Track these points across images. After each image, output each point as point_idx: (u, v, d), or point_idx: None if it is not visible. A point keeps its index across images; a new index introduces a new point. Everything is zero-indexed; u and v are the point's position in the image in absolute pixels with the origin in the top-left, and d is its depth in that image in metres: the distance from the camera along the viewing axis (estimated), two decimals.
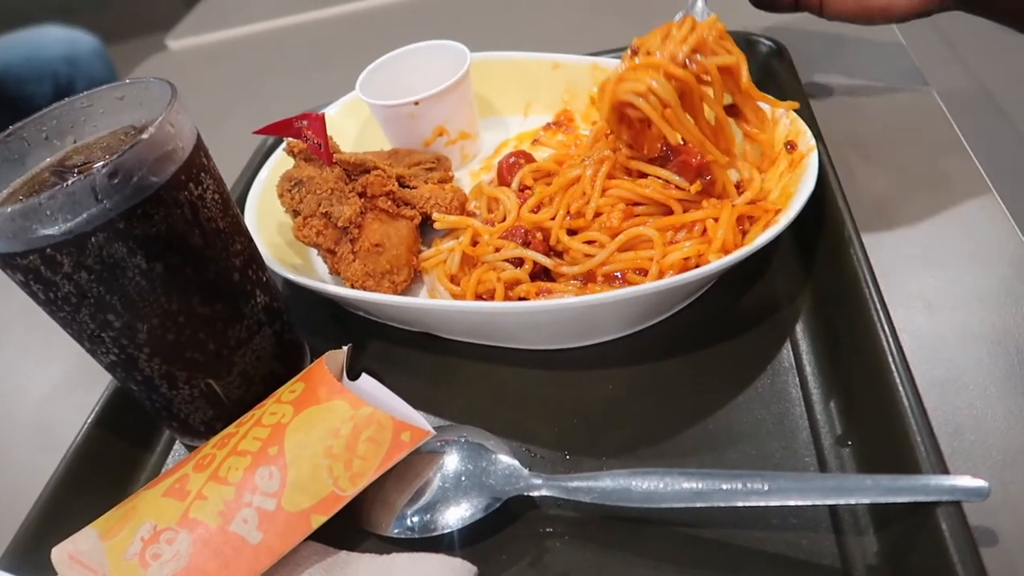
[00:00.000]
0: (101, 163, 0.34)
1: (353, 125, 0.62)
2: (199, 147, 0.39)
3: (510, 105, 0.62)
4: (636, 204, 0.45)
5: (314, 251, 0.53)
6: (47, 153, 0.42)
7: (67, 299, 0.37)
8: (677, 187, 0.44)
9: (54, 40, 1.95)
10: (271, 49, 0.97)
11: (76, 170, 0.39)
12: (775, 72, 0.56)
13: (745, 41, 0.60)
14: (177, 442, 0.46)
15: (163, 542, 0.35)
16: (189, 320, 0.39)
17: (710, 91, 0.43)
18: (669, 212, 0.44)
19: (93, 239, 0.35)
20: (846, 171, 0.48)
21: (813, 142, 0.44)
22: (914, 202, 0.46)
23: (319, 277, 0.52)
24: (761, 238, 0.39)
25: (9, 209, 0.33)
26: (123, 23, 3.98)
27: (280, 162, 0.57)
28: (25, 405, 0.54)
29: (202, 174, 0.39)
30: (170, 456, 0.45)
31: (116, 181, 0.34)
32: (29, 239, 0.34)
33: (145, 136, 0.35)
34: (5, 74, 1.83)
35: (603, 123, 0.46)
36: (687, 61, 0.42)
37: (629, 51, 0.44)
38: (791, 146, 0.45)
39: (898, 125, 0.52)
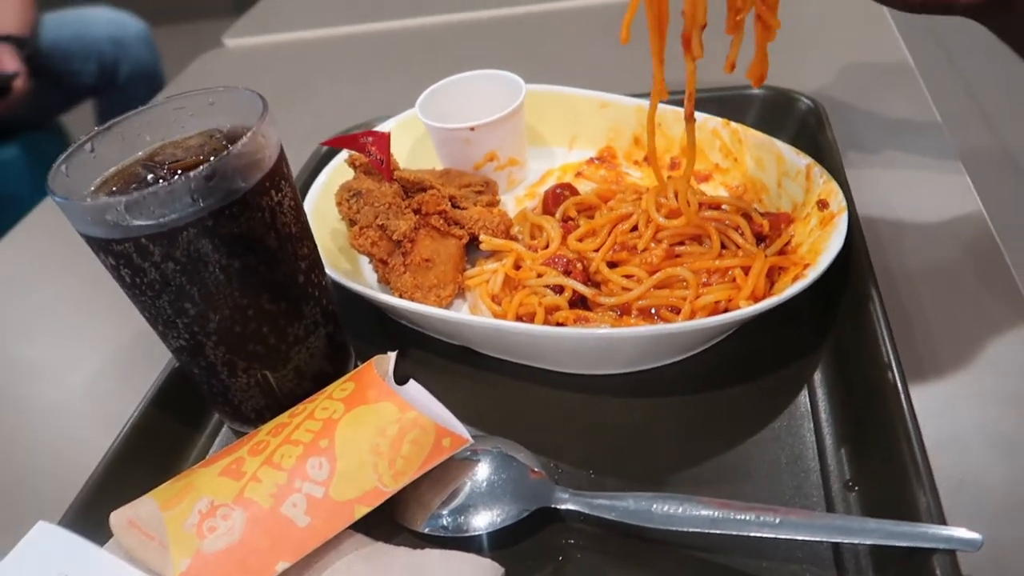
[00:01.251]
0: (202, 167, 0.37)
1: (407, 141, 0.65)
2: (282, 157, 0.43)
3: (557, 137, 0.65)
4: (680, 244, 0.49)
5: (364, 258, 0.57)
6: (139, 147, 0.45)
7: (151, 285, 0.40)
8: (736, 230, 0.48)
9: (103, 21, 2.00)
10: (325, 55, 1.01)
11: (166, 166, 0.43)
12: (812, 132, 0.59)
13: (786, 99, 0.63)
14: (225, 426, 0.49)
15: (219, 517, 0.38)
16: (256, 315, 0.42)
17: None
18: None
19: (184, 233, 0.38)
20: (872, 234, 0.51)
21: (844, 203, 0.47)
22: (932, 270, 0.49)
23: (367, 283, 0.55)
24: (789, 290, 0.42)
25: (114, 200, 0.37)
26: (172, 8, 4.06)
27: (337, 170, 0.60)
28: (80, 380, 0.58)
29: (282, 182, 0.42)
30: (218, 438, 0.49)
31: (211, 183, 0.38)
32: (127, 228, 0.38)
33: (240, 144, 0.39)
34: (53, 49, 1.88)
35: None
36: None
37: None
38: (823, 204, 0.49)
39: (927, 201, 0.55)
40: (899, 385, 0.38)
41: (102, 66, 1.96)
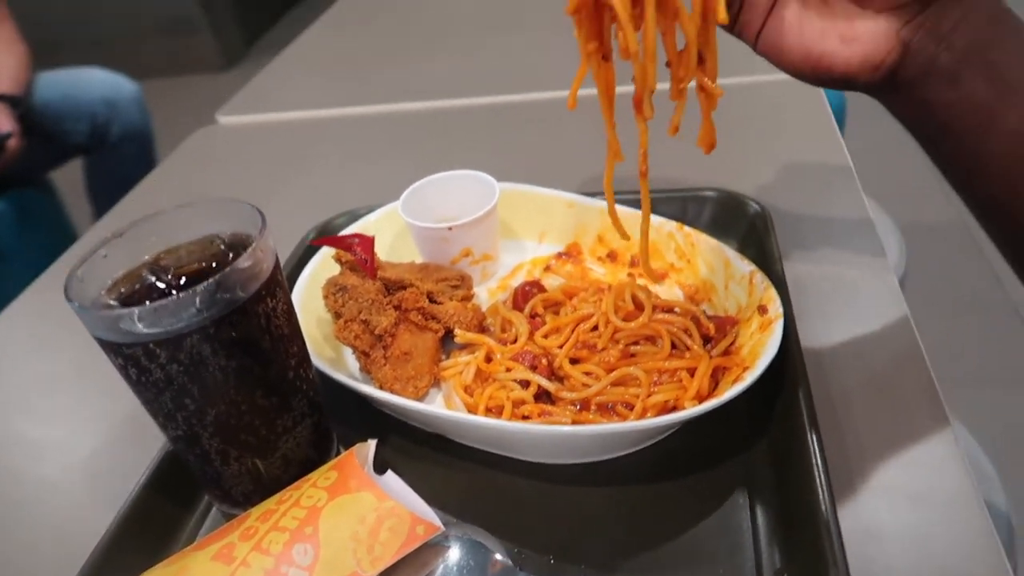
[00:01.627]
0: (208, 281, 0.42)
1: (389, 233, 0.70)
2: (276, 266, 0.48)
3: (527, 231, 0.71)
4: (635, 343, 0.54)
5: (346, 348, 0.61)
6: (146, 249, 0.50)
7: (156, 383, 0.44)
8: (685, 332, 0.53)
9: (97, 82, 2.05)
10: (314, 136, 1.06)
11: (171, 272, 0.48)
12: (759, 235, 0.65)
13: (737, 202, 0.69)
14: (215, 508, 0.53)
15: None
16: (249, 409, 0.47)
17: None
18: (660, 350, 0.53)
19: (188, 339, 0.43)
20: (807, 335, 0.57)
21: (781, 310, 0.53)
22: (860, 371, 0.55)
23: (349, 371, 0.60)
24: (728, 393, 0.47)
25: (127, 311, 0.41)
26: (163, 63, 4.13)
27: (323, 263, 0.65)
28: (75, 459, 0.61)
29: (277, 289, 0.47)
30: (207, 520, 0.52)
31: (216, 295, 0.43)
32: (137, 334, 0.42)
33: (243, 259, 0.44)
34: (45, 109, 1.93)
35: (569, 14, 0.45)
36: None
37: None
38: (763, 309, 0.54)
39: (858, 304, 0.61)
40: (823, 483, 0.43)
41: (94, 126, 2.02)
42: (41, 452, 0.63)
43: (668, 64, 0.46)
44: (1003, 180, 0.44)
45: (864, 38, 0.44)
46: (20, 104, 1.69)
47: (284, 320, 0.48)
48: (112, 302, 0.46)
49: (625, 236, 0.55)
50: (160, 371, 0.44)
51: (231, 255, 0.48)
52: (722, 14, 0.42)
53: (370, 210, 0.73)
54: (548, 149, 0.92)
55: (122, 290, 0.47)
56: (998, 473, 0.93)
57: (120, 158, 2.10)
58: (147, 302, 0.42)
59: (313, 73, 1.28)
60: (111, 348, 0.44)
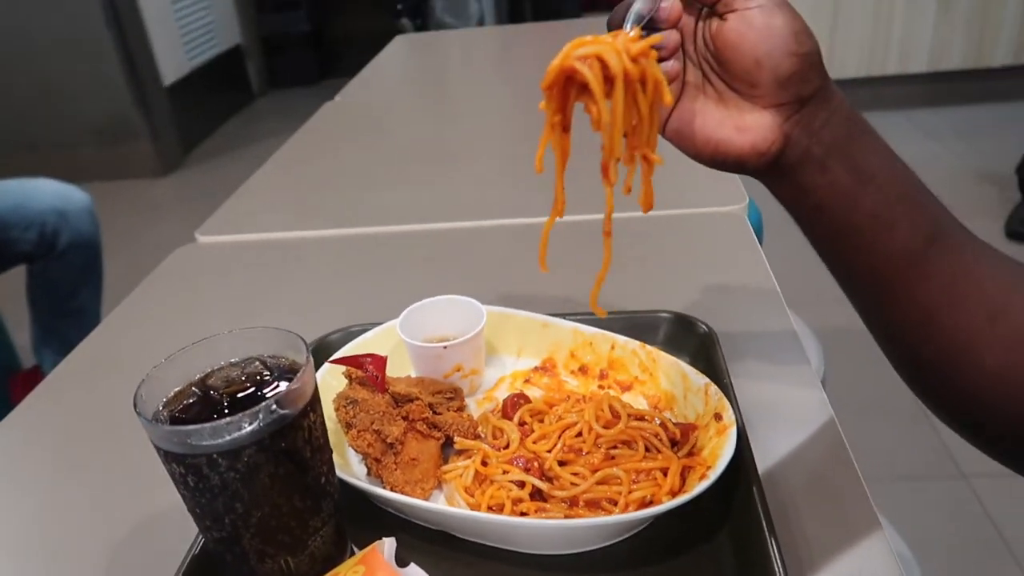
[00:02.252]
0: (268, 400, 0.49)
1: (384, 349, 0.78)
2: (316, 385, 0.55)
3: (507, 348, 0.80)
4: (614, 447, 0.63)
5: (352, 453, 0.68)
6: (194, 370, 0.56)
7: (211, 489, 0.50)
8: (656, 437, 0.63)
9: (48, 193, 2.09)
10: (295, 256, 1.14)
11: (222, 391, 0.55)
12: (708, 351, 0.76)
13: (686, 322, 0.80)
14: None
15: None
16: (289, 511, 0.53)
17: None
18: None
19: (246, 450, 0.49)
20: (754, 435, 0.67)
21: (734, 418, 0.63)
22: (799, 468, 0.65)
23: (356, 474, 0.67)
24: (696, 489, 0.57)
25: (198, 428, 0.48)
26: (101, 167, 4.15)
27: (325, 376, 0.72)
28: (98, 548, 0.65)
29: (317, 404, 0.55)
30: None
31: (272, 412, 0.50)
32: (204, 447, 0.49)
33: (295, 381, 0.51)
34: None
35: (544, 89, 0.52)
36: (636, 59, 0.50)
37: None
38: (718, 417, 0.64)
39: (792, 409, 0.72)
40: (778, 563, 0.52)
41: (42, 235, 2.04)
42: (62, 553, 0.67)
43: (625, 135, 0.53)
44: (862, 251, 0.54)
45: (754, 129, 0.53)
46: None
47: (320, 432, 0.55)
48: (175, 416, 0.53)
49: (542, 264, 0.61)
50: (218, 478, 0.50)
51: (272, 374, 0.56)
52: (667, 97, 0.51)
53: (363, 327, 0.82)
54: (518, 270, 1.03)
55: (179, 407, 0.54)
56: (916, 559, 1.05)
57: (66, 266, 2.12)
58: (207, 418, 0.49)
59: (287, 195, 1.37)
60: (175, 458, 0.50)
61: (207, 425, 0.48)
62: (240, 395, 0.55)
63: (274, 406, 0.50)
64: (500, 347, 0.81)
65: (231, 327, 0.54)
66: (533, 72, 2.05)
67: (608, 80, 0.50)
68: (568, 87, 0.53)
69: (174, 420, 0.53)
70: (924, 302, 0.53)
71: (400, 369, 0.78)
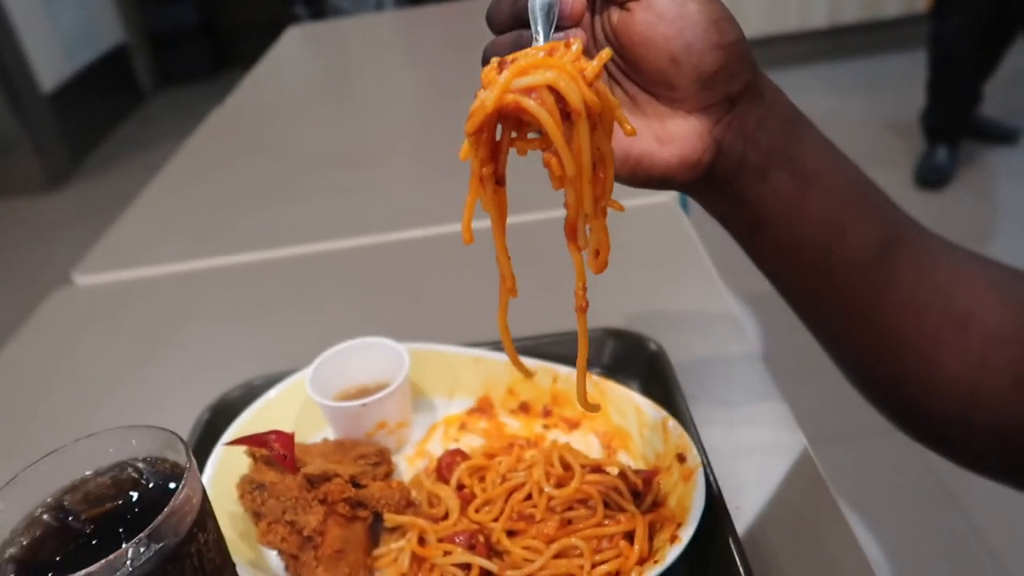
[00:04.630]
0: (136, 541, 0.39)
1: (293, 408, 0.68)
2: (204, 494, 0.45)
3: (436, 390, 0.71)
4: (569, 508, 0.55)
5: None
6: (47, 490, 0.45)
7: None
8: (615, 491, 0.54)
9: None
10: (185, 292, 1.02)
11: (82, 517, 0.44)
12: (661, 374, 0.68)
13: (631, 339, 0.73)
14: None
15: None
16: None
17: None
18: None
19: None
20: (721, 476, 0.60)
21: (699, 459, 0.56)
22: (771, 504, 0.59)
23: (272, 571, 0.57)
24: (669, 556, 0.49)
25: None
26: None
27: (223, 462, 0.62)
28: None
29: (207, 519, 0.44)
30: None
31: (143, 550, 0.39)
32: None
33: (172, 505, 0.41)
34: None
35: (469, 135, 0.41)
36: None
37: (494, 62, 0.40)
38: (681, 458, 0.57)
39: (757, 435, 0.66)
40: None
41: None
42: None
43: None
44: (813, 267, 0.47)
45: (680, 139, 0.45)
46: None
47: (216, 551, 0.45)
48: (15, 559, 0.41)
49: (528, 374, 0.53)
50: None
51: (147, 482, 0.45)
52: (629, 127, 0.42)
53: (266, 379, 0.71)
54: (442, 288, 0.93)
55: (23, 543, 0.43)
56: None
57: None
58: (64, 558, 0.38)
59: (172, 224, 1.23)
60: None
61: None
62: (107, 517, 0.44)
63: (147, 543, 0.40)
64: (428, 389, 0.71)
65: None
66: (442, 60, 1.93)
67: (563, 115, 0.39)
68: (498, 126, 0.41)
69: (22, 566, 0.42)
70: (886, 316, 0.47)
71: (314, 426, 0.68)
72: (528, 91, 0.39)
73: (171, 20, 5.31)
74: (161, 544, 0.40)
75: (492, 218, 0.45)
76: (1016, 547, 1.65)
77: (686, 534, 0.50)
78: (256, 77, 1.90)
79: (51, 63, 4.27)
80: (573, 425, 0.66)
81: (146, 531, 0.39)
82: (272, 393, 0.68)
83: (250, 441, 0.56)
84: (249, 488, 0.56)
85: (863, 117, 3.65)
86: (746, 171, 0.45)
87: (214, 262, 1.06)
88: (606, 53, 0.41)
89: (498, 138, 0.42)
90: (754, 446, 0.64)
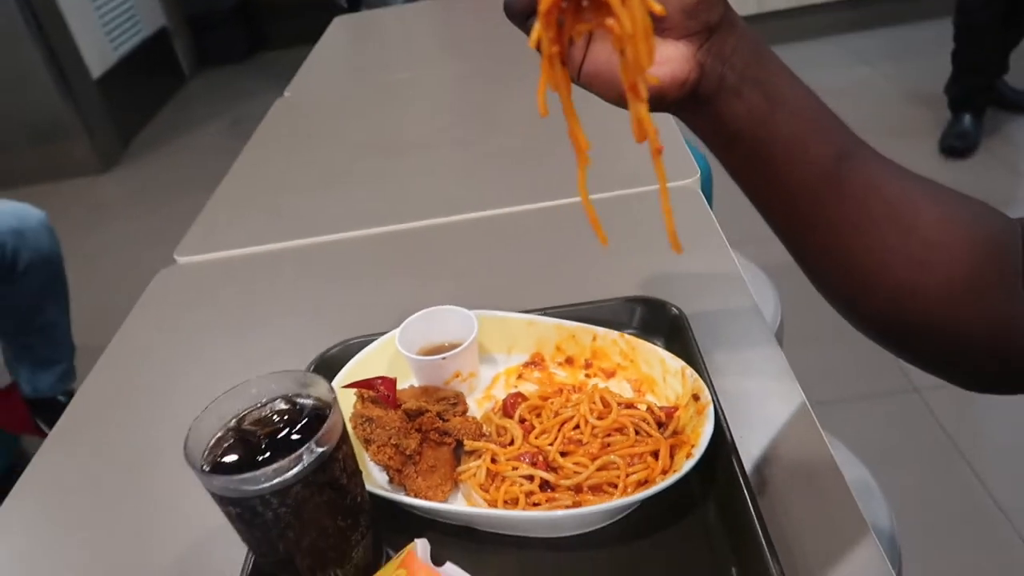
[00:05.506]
0: (307, 445, 0.56)
1: (383, 361, 0.85)
2: (343, 419, 0.62)
3: (497, 347, 0.87)
4: (609, 435, 0.71)
5: (371, 464, 0.75)
6: (228, 415, 0.62)
7: (265, 523, 0.57)
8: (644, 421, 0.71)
9: (4, 213, 2.06)
10: (276, 269, 1.19)
11: (259, 434, 0.61)
12: (681, 333, 0.84)
13: (656, 305, 0.88)
14: None
15: None
16: (333, 531, 0.60)
17: None
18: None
19: (293, 488, 0.56)
20: (729, 410, 0.76)
21: (710, 398, 0.71)
22: (770, 442, 0.74)
23: (377, 482, 0.74)
24: (685, 467, 0.65)
25: (252, 475, 0.54)
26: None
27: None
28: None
29: (347, 435, 0.61)
30: None
31: (313, 452, 0.56)
32: (255, 490, 0.55)
33: (326, 426, 0.57)
34: None
35: (541, 15, 0.47)
36: None
37: None
38: (696, 397, 0.73)
39: (759, 383, 0.81)
40: (758, 525, 0.61)
41: (3, 256, 2.02)
42: None
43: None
44: (779, 178, 0.55)
45: (670, 60, 0.52)
46: None
47: (351, 458, 0.62)
48: (221, 462, 0.59)
49: (604, 240, 0.60)
50: (271, 513, 0.57)
51: (300, 412, 0.62)
52: (658, 7, 0.47)
53: (361, 339, 0.88)
54: (495, 264, 1.09)
55: (219, 451, 0.60)
56: (878, 484, 1.16)
57: (29, 285, 2.11)
58: (250, 459, 0.55)
59: (255, 206, 1.40)
60: (230, 502, 0.56)
61: (259, 472, 0.55)
62: (275, 435, 0.61)
63: (314, 446, 0.56)
64: (491, 347, 0.88)
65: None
66: (479, 48, 2.06)
67: None
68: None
69: (219, 465, 0.59)
70: (839, 224, 0.55)
71: (400, 376, 0.84)
72: None
73: (209, 3, 5.47)
74: (323, 449, 0.57)
75: (562, 96, 0.52)
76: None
77: (698, 452, 0.66)
78: (308, 69, 2.06)
79: (98, 49, 4.46)
80: (609, 374, 0.82)
81: (314, 438, 0.56)
82: (369, 349, 0.85)
83: (361, 384, 0.73)
84: (360, 421, 0.73)
85: (888, 87, 3.69)
86: (724, 90, 0.53)
87: (292, 244, 1.23)
88: None
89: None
90: (755, 391, 0.80)
